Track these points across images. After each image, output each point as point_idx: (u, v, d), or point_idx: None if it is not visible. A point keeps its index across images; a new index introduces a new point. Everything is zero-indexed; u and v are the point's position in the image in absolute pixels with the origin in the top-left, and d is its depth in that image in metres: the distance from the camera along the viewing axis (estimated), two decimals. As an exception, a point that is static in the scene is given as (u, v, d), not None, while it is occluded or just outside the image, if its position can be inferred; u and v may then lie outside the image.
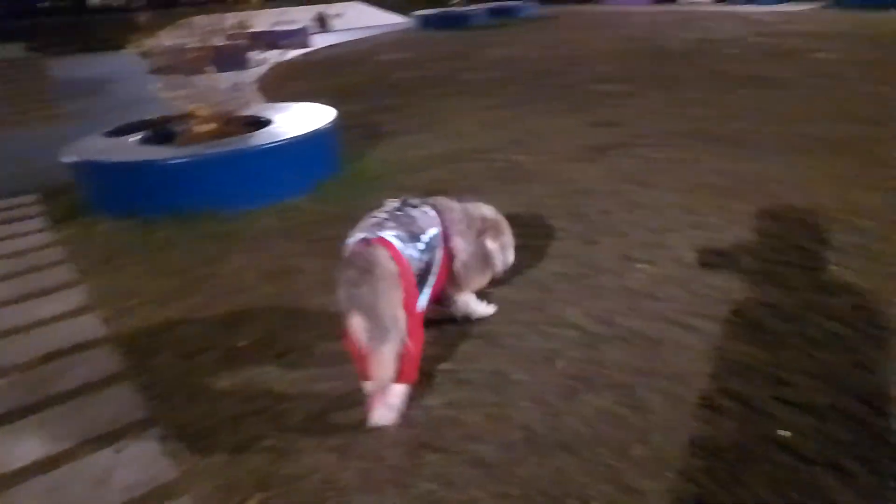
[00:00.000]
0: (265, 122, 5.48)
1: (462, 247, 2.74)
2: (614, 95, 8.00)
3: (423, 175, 5.37)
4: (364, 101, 8.87)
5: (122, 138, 5.18)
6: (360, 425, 2.38)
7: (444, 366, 2.71)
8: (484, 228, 2.87)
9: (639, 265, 3.52)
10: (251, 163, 4.68)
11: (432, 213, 2.68)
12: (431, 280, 2.60)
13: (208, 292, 3.58)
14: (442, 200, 2.79)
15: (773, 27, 13.59)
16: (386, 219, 2.52)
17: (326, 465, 2.21)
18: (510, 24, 19.17)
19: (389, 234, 2.42)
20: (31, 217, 5.02)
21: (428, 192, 4.71)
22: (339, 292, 2.30)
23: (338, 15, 23.97)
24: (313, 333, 3.03)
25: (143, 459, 2.32)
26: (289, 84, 10.97)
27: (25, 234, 4.68)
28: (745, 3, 19.55)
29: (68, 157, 4.76)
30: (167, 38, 5.64)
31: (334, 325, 2.98)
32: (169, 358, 2.96)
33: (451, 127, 7.03)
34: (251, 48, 16.02)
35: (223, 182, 4.61)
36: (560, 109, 7.47)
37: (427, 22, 20.26)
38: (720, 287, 3.21)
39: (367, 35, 19.81)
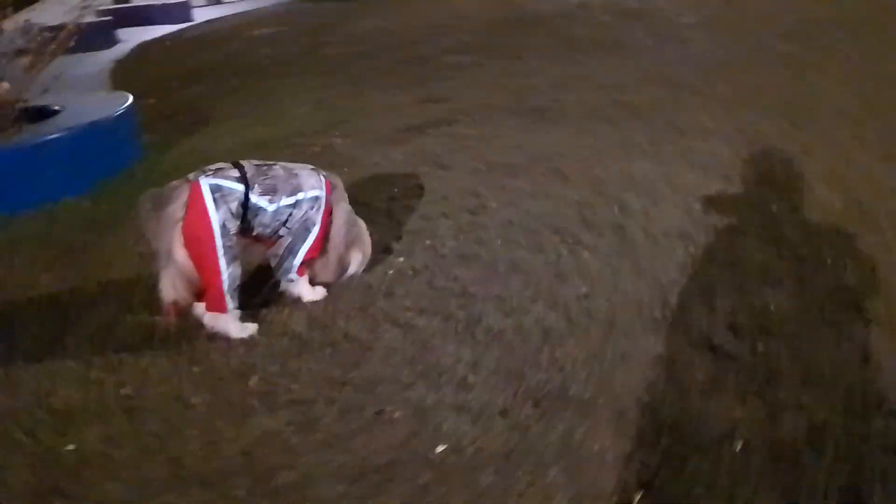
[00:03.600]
0: (50, 114, 5.04)
1: (341, 223, 2.94)
2: (460, 67, 7.80)
3: (225, 165, 5.04)
4: (209, 84, 8.37)
5: None
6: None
7: (124, 391, 2.48)
8: (355, 236, 3.03)
9: (398, 259, 3.37)
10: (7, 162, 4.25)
11: (321, 178, 2.90)
12: (307, 237, 2.84)
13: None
14: (339, 182, 3.04)
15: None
16: (232, 168, 2.68)
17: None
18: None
19: (208, 181, 2.57)
20: None
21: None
22: None
23: (227, -16, 22.80)
24: None
25: None
26: (145, 67, 10.26)
27: None
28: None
29: None
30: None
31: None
32: None
33: (283, 109, 6.68)
34: (117, 25, 14.95)
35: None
36: (400, 85, 7.22)
37: (316, -9, 19.46)
38: (462, 279, 3.10)
39: (256, 6, 18.89)
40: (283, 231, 2.83)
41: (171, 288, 2.60)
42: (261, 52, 10.64)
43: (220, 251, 2.57)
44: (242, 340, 2.73)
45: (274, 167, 2.81)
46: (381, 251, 3.41)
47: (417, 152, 4.93)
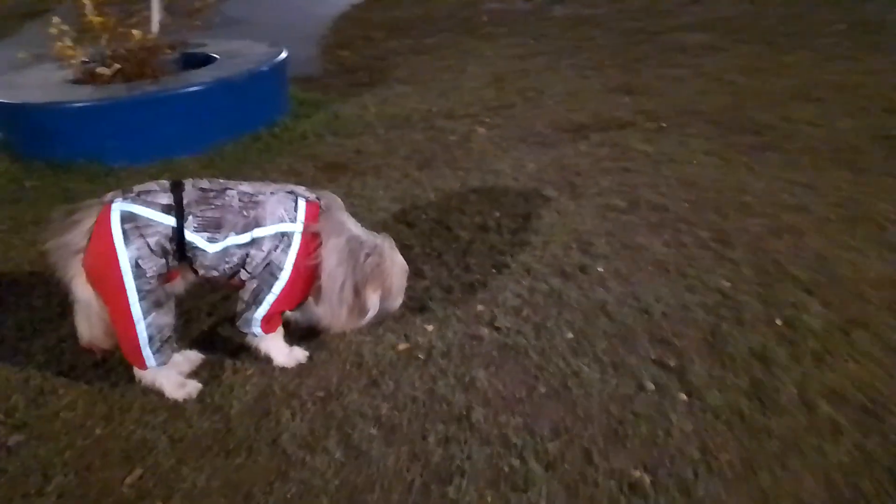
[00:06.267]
0: (204, 62, 4.97)
1: (333, 264, 2.12)
2: (689, 50, 6.27)
3: (350, 142, 4.52)
4: (413, 37, 7.94)
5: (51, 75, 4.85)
6: None
7: (11, 440, 2.07)
8: (368, 271, 2.15)
9: (426, 327, 2.49)
10: (129, 113, 4.19)
11: (297, 204, 2.13)
12: (274, 284, 2.12)
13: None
14: (336, 204, 2.22)
15: None
16: (163, 192, 2.03)
17: None
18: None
19: (121, 207, 1.97)
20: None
21: (330, 165, 4.00)
22: None
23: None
24: None
25: None
26: (369, 14, 10.15)
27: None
28: None
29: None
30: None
31: None
32: None
33: (461, 78, 5.95)
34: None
35: (102, 132, 4.17)
36: (601, 66, 6.00)
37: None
38: (478, 389, 2.16)
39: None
40: (244, 275, 2.16)
41: (84, 326, 2.10)
42: (486, 6, 9.93)
43: (133, 296, 1.98)
44: (175, 403, 2.17)
45: (227, 192, 2.09)
46: (415, 307, 2.59)
47: (557, 164, 3.88)
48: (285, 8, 10.82)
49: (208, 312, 2.65)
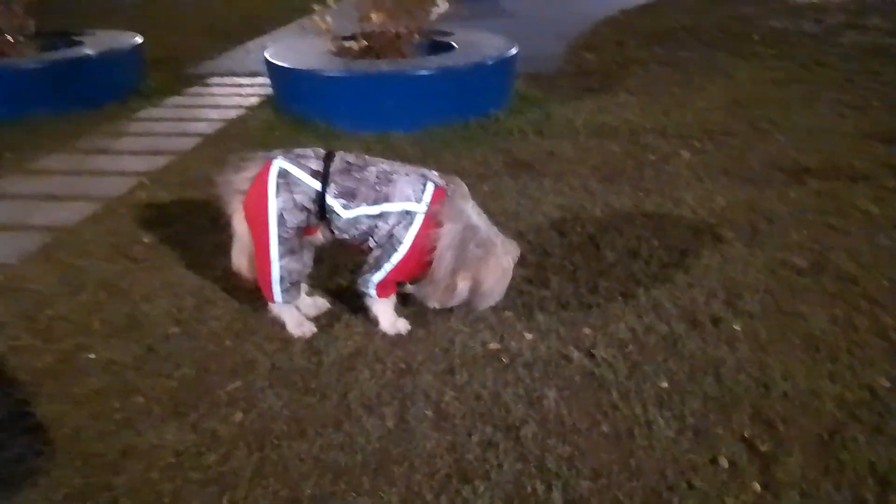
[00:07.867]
0: (447, 49, 5.38)
1: (444, 245, 2.28)
2: None
3: (547, 144, 4.55)
4: (663, 49, 7.56)
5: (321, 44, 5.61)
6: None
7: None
8: (468, 257, 2.29)
9: (525, 335, 2.53)
10: (360, 86, 4.73)
11: (425, 188, 2.32)
12: (392, 255, 2.34)
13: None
14: (461, 192, 2.36)
15: None
16: (315, 159, 2.34)
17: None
18: None
19: (279, 164, 2.31)
20: (244, 95, 6.01)
21: (518, 162, 4.13)
22: None
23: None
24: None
25: None
26: (636, 20, 9.84)
27: (220, 106, 5.67)
28: None
29: (266, 52, 5.51)
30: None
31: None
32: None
33: (688, 96, 5.58)
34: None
35: (335, 99, 4.79)
36: (866, 104, 5.15)
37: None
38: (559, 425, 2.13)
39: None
40: (371, 242, 2.40)
41: (236, 255, 2.52)
42: (771, 22, 9.02)
43: (273, 239, 2.33)
44: (290, 337, 2.52)
45: (368, 168, 2.34)
46: (525, 313, 2.62)
47: (750, 205, 3.52)
48: (559, 6, 11.01)
49: (351, 269, 2.96)
